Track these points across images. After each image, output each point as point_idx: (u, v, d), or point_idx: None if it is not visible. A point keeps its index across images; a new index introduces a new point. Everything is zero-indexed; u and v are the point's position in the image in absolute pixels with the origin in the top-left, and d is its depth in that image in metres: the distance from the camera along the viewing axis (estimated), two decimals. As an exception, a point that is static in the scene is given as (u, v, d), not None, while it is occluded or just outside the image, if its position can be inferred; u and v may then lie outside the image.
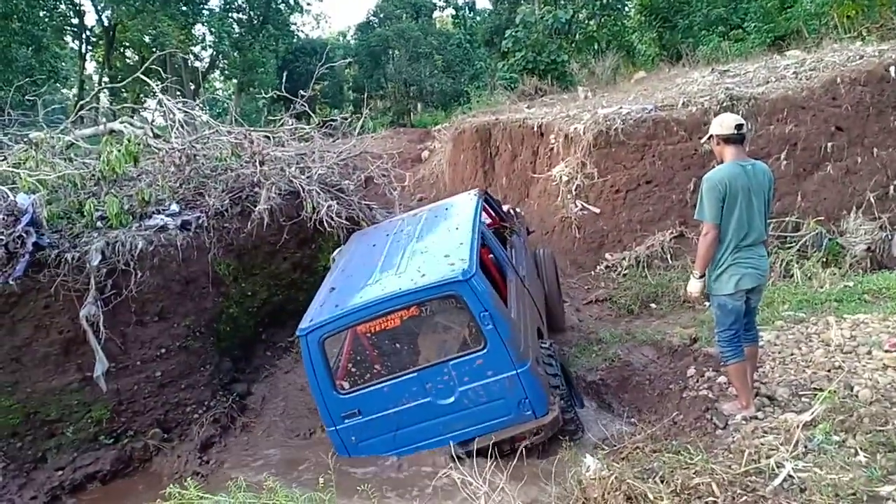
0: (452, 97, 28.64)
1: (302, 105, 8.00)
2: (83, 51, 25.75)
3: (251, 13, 28.12)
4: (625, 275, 8.03)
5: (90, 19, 26.45)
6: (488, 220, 6.28)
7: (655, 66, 16.48)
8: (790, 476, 3.23)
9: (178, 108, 7.33)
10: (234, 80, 30.43)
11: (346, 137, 8.46)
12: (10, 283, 5.00)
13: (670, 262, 7.91)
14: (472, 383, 4.26)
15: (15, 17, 18.00)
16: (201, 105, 8.26)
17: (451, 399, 4.29)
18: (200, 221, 6.07)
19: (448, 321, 4.89)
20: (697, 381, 4.93)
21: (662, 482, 3.23)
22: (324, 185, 6.97)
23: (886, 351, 4.51)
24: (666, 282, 7.52)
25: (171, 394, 5.68)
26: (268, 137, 7.65)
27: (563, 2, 20.56)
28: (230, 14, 27.84)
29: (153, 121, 7.86)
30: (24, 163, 6.22)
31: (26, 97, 9.48)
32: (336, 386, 4.43)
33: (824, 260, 7.33)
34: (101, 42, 26.48)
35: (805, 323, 5.47)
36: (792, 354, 4.90)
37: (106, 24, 25.26)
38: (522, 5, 21.05)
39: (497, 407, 4.29)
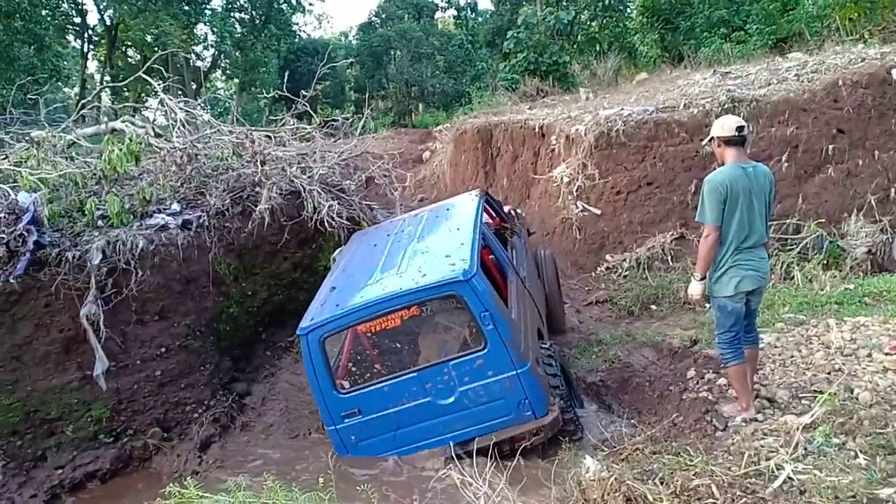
0: (454, 98, 28.60)
1: (303, 105, 8.00)
2: (85, 50, 25.86)
3: (253, 13, 28.15)
4: (625, 276, 8.02)
5: (92, 18, 26.59)
6: (489, 221, 6.29)
7: (657, 67, 16.44)
8: (790, 478, 3.22)
9: (180, 108, 7.34)
10: (236, 80, 30.50)
11: (347, 137, 8.46)
12: (11, 281, 5.00)
13: (671, 263, 7.90)
14: (472, 383, 4.26)
15: (17, 15, 18.03)
16: (203, 104, 8.25)
17: (451, 399, 4.30)
18: (201, 221, 6.08)
19: (448, 321, 4.90)
20: (697, 382, 4.92)
21: (662, 484, 3.23)
22: (325, 185, 6.97)
23: (886, 354, 4.50)
24: (666, 283, 7.51)
25: (170, 393, 5.68)
26: (269, 137, 7.65)
27: (564, 3, 20.57)
28: (232, 14, 27.90)
29: (155, 120, 7.85)
30: (25, 161, 6.23)
31: (28, 96, 9.48)
32: (336, 385, 4.44)
33: (825, 262, 7.32)
34: (103, 41, 26.58)
35: (805, 325, 5.46)
36: (792, 357, 4.89)
37: (108, 23, 25.35)
38: (524, 6, 21.07)
39: (497, 407, 4.30)
